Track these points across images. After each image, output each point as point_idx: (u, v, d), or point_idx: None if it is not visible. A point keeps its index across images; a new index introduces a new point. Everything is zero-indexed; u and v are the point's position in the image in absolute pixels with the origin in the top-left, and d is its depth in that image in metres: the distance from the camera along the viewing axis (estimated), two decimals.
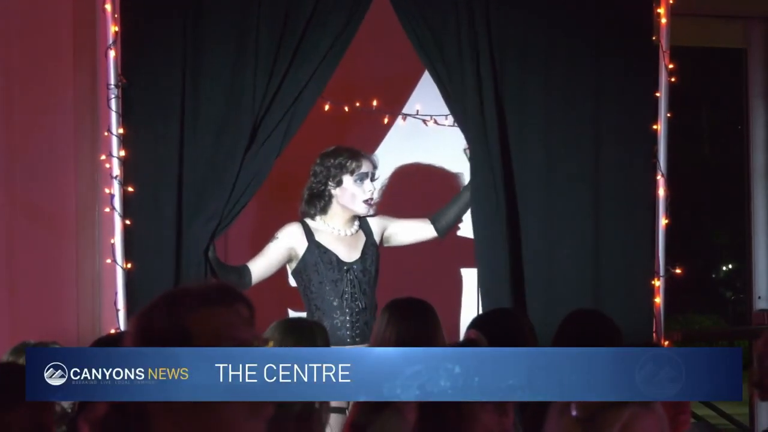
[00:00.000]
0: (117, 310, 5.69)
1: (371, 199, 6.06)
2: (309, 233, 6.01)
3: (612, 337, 4.34)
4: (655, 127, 6.10)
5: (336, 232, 6.04)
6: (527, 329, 4.42)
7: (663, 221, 6.08)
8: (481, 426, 3.24)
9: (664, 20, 6.10)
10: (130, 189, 5.76)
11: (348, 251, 6.02)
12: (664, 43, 6.08)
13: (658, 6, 6.11)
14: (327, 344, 4.21)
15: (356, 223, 6.10)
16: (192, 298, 2.19)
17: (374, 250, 6.08)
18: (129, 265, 5.73)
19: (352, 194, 6.01)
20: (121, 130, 5.76)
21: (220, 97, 5.90)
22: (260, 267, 5.96)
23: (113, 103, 5.75)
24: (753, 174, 7.42)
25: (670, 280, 6.15)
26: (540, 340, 4.70)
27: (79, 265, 6.30)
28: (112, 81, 5.76)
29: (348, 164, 6.00)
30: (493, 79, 6.05)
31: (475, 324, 4.47)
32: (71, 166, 6.31)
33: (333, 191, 6.01)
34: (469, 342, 4.17)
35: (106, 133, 5.79)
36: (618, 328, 4.45)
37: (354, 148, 6.09)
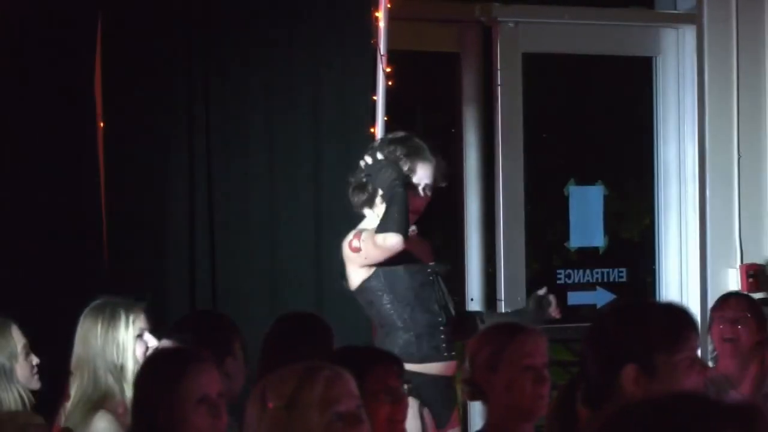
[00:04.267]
0: None
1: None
2: None
3: (324, 338, 4.37)
4: (372, 130, 6.16)
5: None
6: (228, 328, 4.24)
7: None
8: (193, 428, 3.20)
9: (382, 24, 6.18)
10: None
11: None
12: (381, 47, 6.16)
13: (377, 9, 6.18)
14: None
15: None
16: None
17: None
18: None
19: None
20: None
21: None
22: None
23: None
24: (466, 177, 7.59)
25: None
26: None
27: None
28: None
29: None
30: (203, 83, 5.99)
31: (175, 328, 4.21)
32: None
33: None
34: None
35: None
36: (330, 328, 4.47)
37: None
